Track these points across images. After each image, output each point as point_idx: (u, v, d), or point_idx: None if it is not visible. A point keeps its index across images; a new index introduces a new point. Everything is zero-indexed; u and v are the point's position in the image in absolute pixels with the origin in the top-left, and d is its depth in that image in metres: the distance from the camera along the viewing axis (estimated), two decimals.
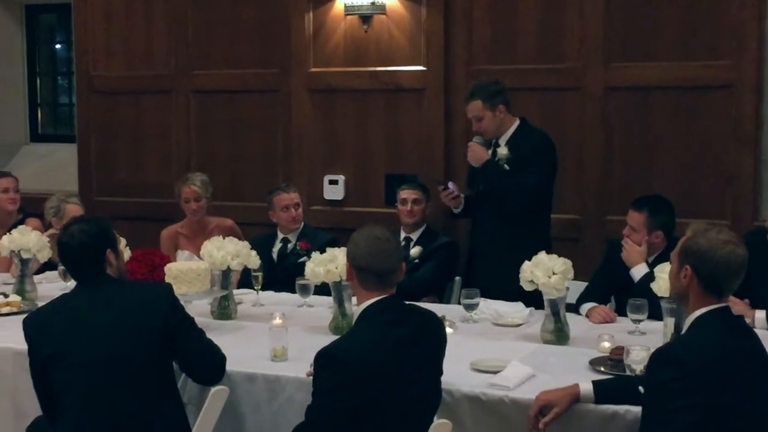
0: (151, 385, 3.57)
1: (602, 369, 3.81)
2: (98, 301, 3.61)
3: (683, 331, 3.25)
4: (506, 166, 5.40)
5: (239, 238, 5.05)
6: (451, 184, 5.61)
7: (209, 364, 3.75)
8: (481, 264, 5.58)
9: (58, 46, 9.12)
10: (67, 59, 8.86)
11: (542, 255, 4.37)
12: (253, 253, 4.90)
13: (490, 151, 5.51)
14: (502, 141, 5.50)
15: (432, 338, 3.44)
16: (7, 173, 6.64)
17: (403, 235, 5.96)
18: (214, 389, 3.63)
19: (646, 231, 4.85)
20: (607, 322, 4.64)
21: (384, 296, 3.38)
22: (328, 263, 4.49)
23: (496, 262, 5.35)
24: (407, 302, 3.54)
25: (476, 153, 5.49)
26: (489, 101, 5.43)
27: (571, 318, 4.42)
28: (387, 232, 3.49)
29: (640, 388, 3.22)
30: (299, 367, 3.84)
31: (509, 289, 4.67)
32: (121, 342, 3.52)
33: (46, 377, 3.60)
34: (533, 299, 4.67)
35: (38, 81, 8.93)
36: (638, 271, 4.77)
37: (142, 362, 3.54)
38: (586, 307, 4.82)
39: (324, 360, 3.26)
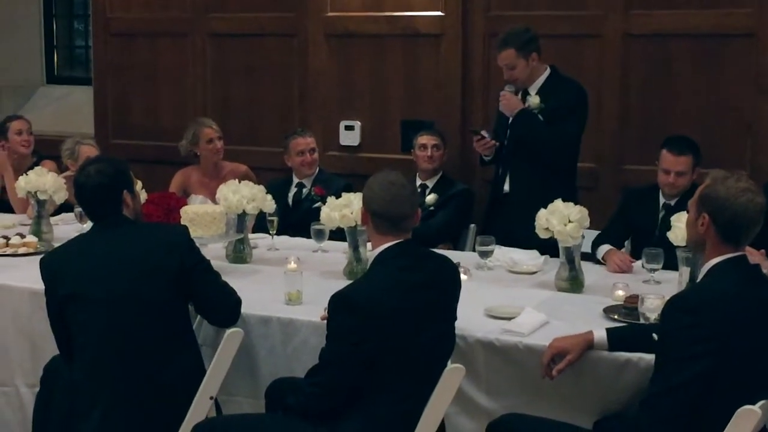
0: (167, 325, 3.59)
1: (616, 317, 3.82)
2: (114, 242, 3.62)
3: (699, 280, 3.24)
4: (540, 117, 5.34)
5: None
6: (485, 132, 5.51)
7: (225, 307, 3.77)
8: (509, 212, 5.48)
9: None
10: (83, 1, 8.82)
11: (558, 202, 4.35)
12: (269, 197, 4.91)
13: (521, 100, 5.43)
14: (533, 90, 5.42)
15: (446, 283, 3.45)
16: (19, 116, 6.64)
17: (419, 182, 5.94)
18: (229, 331, 3.64)
19: (692, 172, 4.86)
20: (623, 272, 4.62)
21: (398, 241, 3.38)
22: (344, 208, 4.49)
23: (525, 210, 5.26)
24: (422, 248, 3.54)
25: (510, 102, 5.38)
26: (522, 50, 5.32)
27: (585, 266, 4.42)
28: (403, 177, 3.47)
29: (654, 336, 3.21)
30: (313, 311, 3.86)
31: (535, 239, 4.54)
32: (138, 282, 3.54)
33: (62, 317, 3.62)
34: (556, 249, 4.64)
35: (54, 23, 8.91)
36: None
37: (157, 303, 3.56)
38: (603, 249, 4.80)
39: (338, 303, 3.27)
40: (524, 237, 4.69)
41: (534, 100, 5.36)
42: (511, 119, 5.43)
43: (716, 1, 5.89)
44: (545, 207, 4.47)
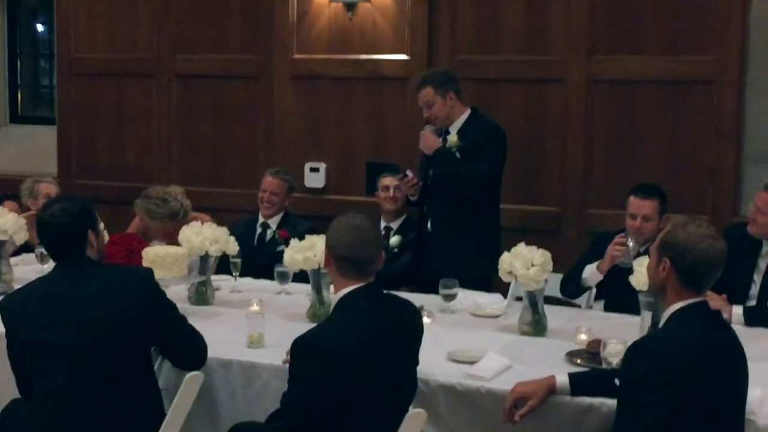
0: (130, 373, 3.52)
1: (579, 361, 3.80)
2: (77, 286, 3.53)
3: (660, 325, 3.24)
4: (457, 154, 5.44)
5: None
6: (409, 172, 5.64)
7: (193, 352, 3.71)
8: (432, 249, 5.62)
9: (39, 27, 9.04)
10: (48, 41, 8.78)
11: (521, 246, 4.35)
12: (232, 238, 4.87)
13: (441, 140, 5.54)
14: (453, 129, 5.54)
15: (408, 328, 3.43)
16: None
17: (383, 224, 5.96)
18: (189, 375, 3.59)
19: (659, 217, 4.90)
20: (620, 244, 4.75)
21: (362, 284, 3.37)
22: (307, 250, 4.47)
23: (448, 249, 5.48)
24: (385, 291, 3.53)
25: (428, 140, 5.52)
26: (440, 88, 5.48)
27: (549, 310, 4.41)
28: (367, 220, 3.47)
29: (616, 381, 3.21)
30: (275, 354, 3.82)
31: (460, 276, 4.76)
32: (101, 331, 3.46)
33: (23, 362, 3.54)
34: (481, 285, 5.03)
35: (19, 62, 8.86)
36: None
37: (121, 351, 3.48)
38: (590, 267, 4.90)
39: (300, 347, 3.24)
40: (447, 274, 4.77)
41: (452, 138, 5.48)
42: (427, 156, 5.55)
43: (678, 48, 5.98)
44: (465, 244, 4.92)
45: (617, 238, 4.83)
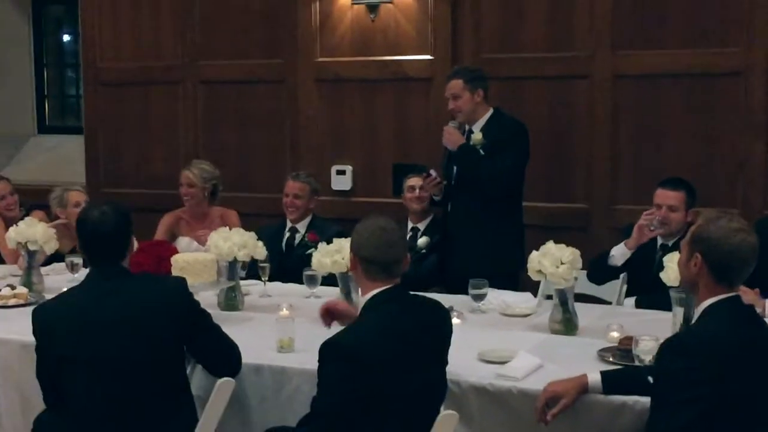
0: (164, 385, 3.52)
1: (611, 359, 3.77)
2: (111, 297, 3.49)
3: (693, 321, 3.21)
4: (481, 151, 5.44)
5: None
6: (433, 171, 5.64)
7: (228, 361, 3.71)
8: (457, 248, 5.63)
9: (65, 37, 9.12)
10: (74, 51, 8.85)
11: (550, 244, 4.33)
12: (260, 243, 4.87)
13: (464, 137, 5.55)
14: (476, 128, 5.54)
15: (437, 329, 3.41)
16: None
17: (410, 225, 5.93)
18: (220, 381, 3.59)
19: (685, 210, 4.89)
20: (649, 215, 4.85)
21: (388, 286, 3.35)
22: (335, 254, 4.47)
23: (472, 247, 5.51)
24: (412, 293, 3.51)
25: (452, 136, 5.53)
26: (470, 83, 5.51)
27: (579, 307, 4.38)
28: (392, 221, 3.45)
29: (650, 378, 3.18)
30: (306, 359, 3.79)
31: (486, 274, 4.75)
32: (135, 344, 3.44)
33: (56, 376, 3.53)
34: (510, 283, 5.04)
35: (45, 72, 8.93)
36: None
37: (156, 362, 3.48)
38: (619, 247, 4.95)
39: (329, 351, 3.22)
40: (473, 273, 4.76)
41: (477, 136, 5.49)
42: (451, 153, 5.56)
43: (704, 41, 5.93)
44: (490, 242, 5.08)
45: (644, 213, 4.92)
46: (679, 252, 3.96)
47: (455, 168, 5.61)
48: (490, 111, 5.59)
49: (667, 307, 4.24)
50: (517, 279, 5.28)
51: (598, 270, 5.07)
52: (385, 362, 3.19)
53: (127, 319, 3.46)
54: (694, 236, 3.15)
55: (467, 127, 5.58)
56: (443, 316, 3.46)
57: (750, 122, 5.85)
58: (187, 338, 3.56)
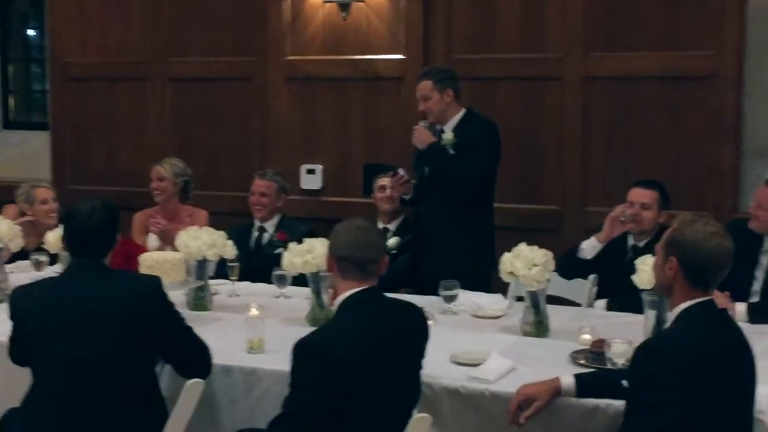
0: (134, 382, 3.49)
1: (583, 362, 3.76)
2: (85, 291, 3.48)
3: (668, 325, 3.20)
4: (451, 151, 5.42)
5: None
6: (401, 170, 5.60)
7: (201, 362, 3.68)
8: (428, 249, 5.60)
9: (31, 32, 8.99)
10: (39, 45, 8.73)
11: (522, 246, 4.31)
12: (229, 243, 4.82)
13: (435, 137, 5.51)
14: (447, 128, 5.51)
15: (413, 332, 3.38)
16: None
17: (380, 225, 5.91)
18: (189, 382, 3.55)
19: (657, 209, 4.92)
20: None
21: (364, 287, 3.32)
22: (306, 254, 4.42)
23: (444, 248, 5.48)
24: (388, 295, 3.48)
25: (422, 135, 5.49)
26: (439, 83, 5.47)
27: (550, 310, 4.37)
28: (370, 223, 3.45)
29: (624, 383, 3.16)
30: (276, 359, 3.77)
31: (457, 275, 4.74)
32: (105, 341, 3.41)
33: (23, 362, 3.55)
34: (481, 285, 5.02)
35: (10, 67, 8.80)
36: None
37: (126, 361, 3.45)
38: (589, 240, 4.94)
39: (302, 351, 3.19)
40: (444, 274, 4.75)
41: (447, 136, 5.46)
42: (419, 152, 5.53)
43: (677, 44, 5.94)
44: (461, 243, 5.13)
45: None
46: (653, 254, 4.01)
47: (426, 168, 5.58)
48: (463, 111, 5.56)
49: (638, 309, 4.23)
50: (488, 280, 5.27)
51: (569, 264, 5.05)
52: (358, 364, 3.16)
53: (99, 314, 3.43)
54: (669, 240, 3.14)
55: (439, 127, 5.55)
56: (419, 319, 3.43)
57: (720, 126, 5.87)
58: (159, 338, 3.53)
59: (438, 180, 5.49)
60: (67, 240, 3.68)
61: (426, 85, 5.49)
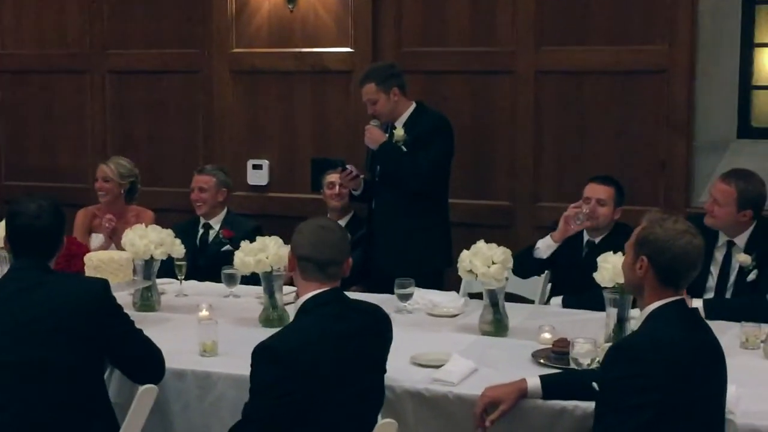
0: (80, 389, 3.33)
1: (545, 362, 3.70)
2: (27, 295, 3.32)
3: (634, 324, 3.15)
4: (403, 148, 5.35)
5: None
6: (349, 165, 5.53)
7: (152, 366, 3.55)
8: (381, 246, 5.53)
9: None
10: None
11: (481, 243, 4.24)
12: (178, 241, 4.69)
13: (386, 135, 5.45)
14: (398, 124, 5.44)
15: (376, 335, 3.29)
16: None
17: None
18: (142, 388, 3.42)
19: (613, 205, 4.90)
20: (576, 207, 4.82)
21: (325, 289, 3.22)
22: (259, 252, 4.30)
23: (397, 245, 5.41)
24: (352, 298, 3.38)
25: (373, 135, 5.42)
26: (382, 84, 5.39)
27: (508, 307, 4.29)
28: (335, 224, 3.37)
29: (594, 385, 3.10)
30: (230, 363, 3.67)
31: (411, 272, 4.66)
32: (48, 347, 3.26)
33: None
34: (435, 282, 4.96)
35: None
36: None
37: (72, 368, 3.30)
38: (544, 239, 4.89)
39: (262, 354, 3.08)
40: (398, 271, 4.69)
41: (398, 132, 5.39)
42: (374, 152, 5.46)
43: (627, 38, 5.90)
44: (415, 240, 5.13)
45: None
46: (612, 251, 3.97)
47: (378, 166, 5.49)
48: (413, 105, 5.48)
49: (596, 306, 4.20)
50: (442, 277, 5.19)
51: (524, 264, 4.97)
52: (320, 367, 3.06)
53: (43, 319, 3.29)
54: (639, 238, 3.08)
55: (390, 124, 5.46)
56: (383, 321, 3.34)
57: (671, 121, 5.84)
58: (107, 344, 3.39)
59: (390, 178, 5.42)
60: (11, 240, 3.51)
61: (370, 89, 5.40)
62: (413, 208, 5.40)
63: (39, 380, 3.26)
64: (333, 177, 5.89)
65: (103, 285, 3.48)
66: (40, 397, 3.26)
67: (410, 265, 5.04)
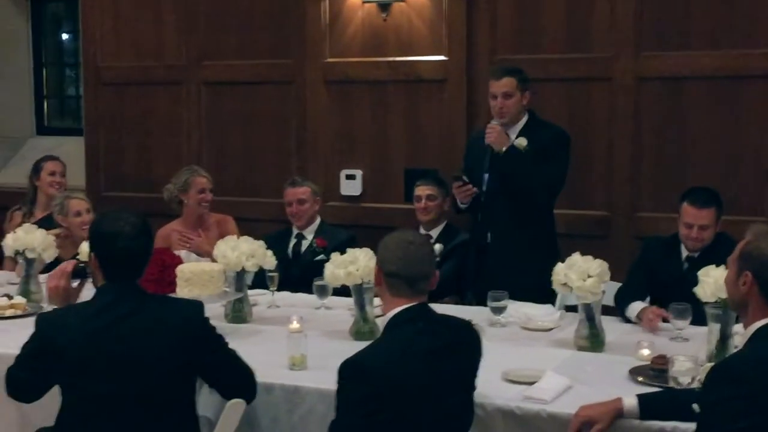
0: (172, 411, 3.31)
1: (644, 379, 3.57)
2: (123, 322, 3.24)
3: (738, 342, 3.00)
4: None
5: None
6: (465, 177, 5.34)
7: (245, 388, 3.49)
8: (493, 263, 5.34)
9: (64, 36, 8.91)
10: (73, 50, 8.64)
11: (576, 256, 4.12)
12: (269, 252, 4.68)
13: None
14: (512, 133, 5.28)
15: (465, 352, 3.20)
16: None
17: (422, 232, 5.72)
18: (230, 402, 3.40)
19: (716, 224, 4.65)
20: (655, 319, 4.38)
21: (413, 304, 3.14)
22: (349, 265, 4.25)
23: (510, 261, 5.22)
24: (437, 310, 3.29)
25: (500, 137, 5.22)
26: (522, 83, 5.28)
27: (606, 321, 4.17)
28: (421, 236, 3.33)
29: (695, 406, 2.95)
30: (320, 377, 3.61)
31: (524, 288, 4.58)
32: (146, 377, 3.22)
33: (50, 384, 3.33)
34: (547, 297, 4.62)
35: (44, 72, 8.71)
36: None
37: (167, 394, 3.27)
38: (635, 307, 4.50)
39: (350, 371, 3.02)
40: (511, 288, 4.55)
41: (521, 141, 5.21)
42: (492, 155, 5.27)
43: (731, 42, 5.72)
44: (528, 255, 4.99)
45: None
46: (716, 265, 3.82)
47: (491, 172, 5.30)
48: (526, 115, 5.34)
49: (697, 322, 4.04)
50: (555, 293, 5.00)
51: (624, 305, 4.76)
52: (408, 384, 3.00)
53: (140, 351, 3.22)
54: (743, 253, 2.94)
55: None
56: (472, 337, 3.25)
57: None
58: (203, 371, 3.37)
59: (515, 186, 5.22)
60: (108, 262, 3.37)
61: (510, 83, 5.25)
62: (525, 222, 5.25)
63: (134, 413, 3.23)
64: (419, 190, 5.83)
65: (198, 311, 3.40)
66: (133, 425, 3.24)
67: (524, 281, 4.77)
